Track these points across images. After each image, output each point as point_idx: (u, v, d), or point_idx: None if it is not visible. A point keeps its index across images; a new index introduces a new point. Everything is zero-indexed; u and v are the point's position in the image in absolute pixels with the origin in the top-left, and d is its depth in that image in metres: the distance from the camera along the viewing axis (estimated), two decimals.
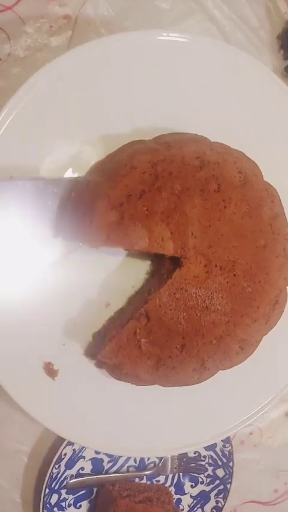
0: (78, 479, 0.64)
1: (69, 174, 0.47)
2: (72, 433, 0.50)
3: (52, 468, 0.61)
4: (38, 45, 0.55)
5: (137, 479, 0.68)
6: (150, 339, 0.45)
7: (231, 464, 0.71)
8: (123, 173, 0.43)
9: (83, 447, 0.64)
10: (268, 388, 0.59)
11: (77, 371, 0.49)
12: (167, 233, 0.43)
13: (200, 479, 0.72)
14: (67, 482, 0.63)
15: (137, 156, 0.44)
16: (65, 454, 0.62)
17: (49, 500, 0.62)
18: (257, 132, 0.53)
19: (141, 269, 0.51)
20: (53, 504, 0.63)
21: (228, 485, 0.72)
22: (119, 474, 0.67)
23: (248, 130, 0.53)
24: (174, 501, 0.70)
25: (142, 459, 0.69)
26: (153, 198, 0.43)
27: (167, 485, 0.70)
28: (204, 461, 0.71)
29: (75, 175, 0.47)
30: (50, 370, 0.47)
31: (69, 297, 0.49)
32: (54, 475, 0.62)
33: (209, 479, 0.71)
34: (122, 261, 0.50)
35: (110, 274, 0.50)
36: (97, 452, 0.66)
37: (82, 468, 0.65)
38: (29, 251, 0.44)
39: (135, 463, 0.68)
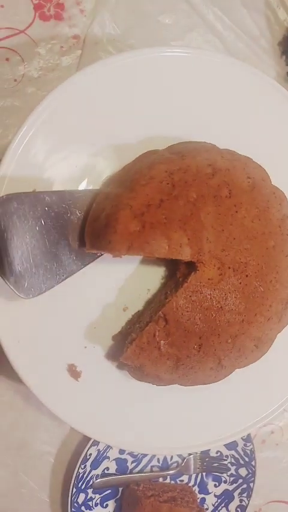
0: (103, 479, 0.66)
1: (83, 185, 0.49)
2: (96, 431, 0.52)
3: (78, 468, 0.63)
4: (51, 66, 0.59)
5: (160, 479, 0.70)
6: (169, 340, 0.47)
7: (253, 463, 0.72)
8: (143, 183, 0.45)
9: (107, 448, 0.66)
10: (286, 386, 0.60)
11: (99, 372, 0.51)
12: (184, 239, 0.45)
13: (223, 479, 0.73)
14: (93, 482, 0.66)
15: (155, 167, 0.46)
16: (90, 455, 0.65)
17: (76, 500, 0.64)
18: (262, 138, 0.55)
19: (156, 274, 0.53)
20: (80, 503, 0.65)
21: (251, 484, 0.72)
22: (143, 474, 0.68)
23: (253, 137, 0.55)
24: (198, 500, 0.71)
25: (165, 459, 0.70)
26: (171, 206, 0.45)
27: (190, 484, 0.71)
28: (226, 460, 0.72)
29: (90, 187, 0.49)
30: (74, 372, 0.50)
31: (89, 302, 0.51)
32: (80, 475, 0.64)
33: (232, 479, 0.72)
34: (138, 267, 0.52)
35: (127, 279, 0.52)
36: (121, 453, 0.68)
37: (107, 468, 0.67)
38: (52, 261, 0.46)
39: (159, 463, 0.70)
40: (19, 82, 0.58)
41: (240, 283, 0.49)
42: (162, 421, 0.54)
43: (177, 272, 0.49)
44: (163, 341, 0.46)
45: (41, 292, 0.45)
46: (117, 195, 0.46)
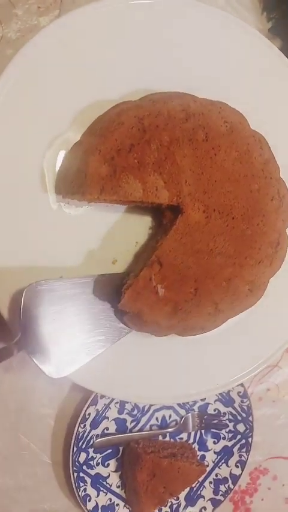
0: (103, 438, 0.67)
1: (66, 139, 0.50)
2: (96, 384, 0.53)
3: (78, 427, 0.64)
4: (29, 27, 0.59)
5: (160, 438, 0.71)
6: (165, 284, 0.47)
7: (250, 418, 0.73)
8: (112, 129, 0.46)
9: (106, 408, 0.67)
10: (278, 336, 0.61)
11: None
12: (160, 183, 0.46)
13: (222, 435, 0.74)
14: (93, 442, 0.67)
15: (123, 113, 0.47)
16: (89, 414, 0.66)
17: (78, 459, 0.65)
18: (240, 86, 0.56)
19: (142, 225, 0.54)
20: (81, 462, 0.66)
21: (249, 439, 0.74)
22: (143, 432, 0.69)
23: (231, 85, 0.55)
24: (198, 457, 0.72)
25: (164, 418, 0.71)
26: (143, 150, 0.45)
27: (190, 442, 0.73)
28: (224, 417, 0.73)
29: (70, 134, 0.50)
30: None
31: (78, 254, 0.52)
32: (80, 434, 0.65)
33: (230, 435, 0.74)
34: (124, 218, 0.53)
35: (113, 231, 0.53)
36: (120, 413, 0.69)
37: (107, 428, 0.68)
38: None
39: (158, 422, 0.71)
40: None
41: (227, 225, 0.50)
42: (161, 372, 0.56)
43: (163, 219, 0.50)
44: (159, 285, 0.47)
45: (66, 375, 0.48)
46: (87, 142, 0.47)
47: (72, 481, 0.65)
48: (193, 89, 0.52)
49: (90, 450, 0.67)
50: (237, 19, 0.55)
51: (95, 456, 0.68)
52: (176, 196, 0.46)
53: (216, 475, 0.73)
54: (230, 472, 0.73)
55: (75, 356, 0.48)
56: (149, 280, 0.47)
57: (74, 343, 0.48)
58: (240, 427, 0.74)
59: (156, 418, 0.71)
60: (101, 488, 0.68)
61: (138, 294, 0.47)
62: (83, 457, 0.66)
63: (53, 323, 0.46)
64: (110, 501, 0.69)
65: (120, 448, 0.69)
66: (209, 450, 0.74)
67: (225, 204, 0.49)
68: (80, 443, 0.65)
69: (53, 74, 0.49)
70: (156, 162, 0.46)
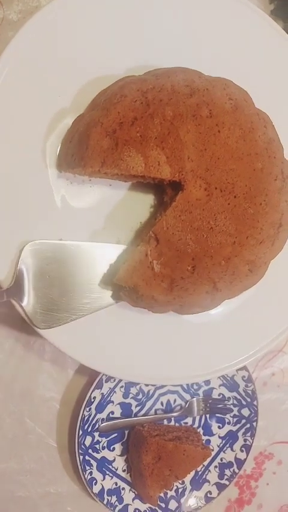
0: (109, 422, 0.67)
1: (70, 117, 0.50)
2: (91, 360, 0.53)
3: (83, 411, 0.65)
4: (30, 8, 0.59)
5: (165, 422, 0.71)
6: (161, 260, 0.47)
7: (255, 403, 0.73)
8: (114, 102, 0.46)
9: (111, 391, 0.67)
10: (281, 319, 0.61)
11: None
12: (162, 157, 0.45)
13: (227, 420, 0.74)
14: (99, 426, 0.67)
15: (127, 86, 0.47)
16: (94, 398, 0.66)
17: (83, 442, 0.66)
18: (245, 65, 0.56)
19: (145, 203, 0.54)
20: (87, 446, 0.66)
21: (254, 424, 0.74)
22: (148, 416, 0.69)
23: (236, 65, 0.55)
24: (203, 441, 0.72)
25: (169, 403, 0.71)
26: (146, 124, 0.45)
27: (195, 426, 0.73)
28: (229, 402, 0.73)
29: (73, 116, 0.50)
30: None
31: (81, 235, 0.52)
32: (86, 418, 0.65)
33: (235, 419, 0.74)
34: (126, 196, 0.53)
35: (117, 210, 0.53)
36: (125, 397, 0.69)
37: (112, 412, 0.68)
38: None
39: (162, 406, 0.71)
40: None
41: (228, 204, 0.49)
42: (165, 354, 0.56)
43: (164, 196, 0.50)
44: (156, 261, 0.47)
45: (55, 326, 0.50)
46: (90, 115, 0.46)
47: (78, 465, 0.65)
48: (198, 67, 0.51)
49: (96, 434, 0.67)
50: None
51: (100, 440, 0.68)
52: (178, 172, 0.46)
53: (221, 460, 0.73)
54: (235, 457, 0.74)
55: (62, 314, 0.50)
56: (145, 255, 0.47)
57: (64, 302, 0.50)
58: (245, 412, 0.74)
59: (161, 403, 0.71)
60: (107, 472, 0.68)
61: (134, 269, 0.47)
62: (88, 440, 0.66)
63: (45, 280, 0.49)
64: (116, 485, 0.69)
65: (126, 432, 0.70)
66: (214, 435, 0.74)
67: (227, 182, 0.49)
68: (86, 427, 0.66)
69: (56, 50, 0.49)
70: (159, 137, 0.45)
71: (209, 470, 0.73)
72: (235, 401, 0.74)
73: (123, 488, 0.69)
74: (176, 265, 0.48)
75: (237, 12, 0.55)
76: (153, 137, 0.45)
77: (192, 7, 0.53)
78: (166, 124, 0.46)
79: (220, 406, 0.73)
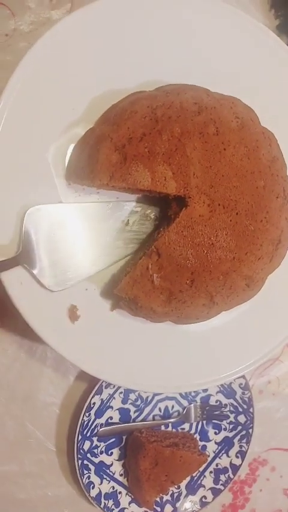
0: (107, 427, 0.69)
1: (81, 128, 0.51)
2: (92, 366, 0.54)
3: (83, 416, 0.66)
4: (42, 20, 0.60)
5: (162, 427, 0.73)
6: (161, 274, 0.48)
7: (251, 410, 0.75)
8: (125, 118, 0.47)
9: (110, 397, 0.69)
10: (280, 329, 0.62)
11: (98, 313, 0.53)
12: (169, 173, 0.46)
13: (223, 426, 0.75)
14: (98, 431, 0.68)
15: (137, 102, 0.48)
16: (94, 403, 0.67)
17: (82, 447, 0.67)
18: (252, 82, 0.57)
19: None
20: (86, 450, 0.67)
21: (250, 430, 0.75)
22: (146, 422, 0.71)
23: (243, 82, 0.56)
24: (199, 447, 0.74)
25: (166, 409, 0.73)
26: (154, 140, 0.46)
27: (191, 432, 0.74)
28: (226, 408, 0.75)
29: (86, 128, 0.51)
30: (73, 314, 0.52)
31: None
32: (85, 423, 0.66)
33: (231, 426, 0.75)
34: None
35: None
36: (124, 403, 0.70)
37: (111, 417, 0.69)
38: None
39: (160, 412, 0.73)
40: (10, 37, 0.59)
41: (230, 220, 0.51)
42: (164, 362, 0.57)
43: (169, 211, 0.51)
44: (156, 274, 0.48)
45: (65, 288, 0.51)
46: (100, 129, 0.48)
47: (77, 468, 0.66)
48: (207, 83, 0.53)
49: (95, 439, 0.68)
50: (249, 16, 0.56)
51: (98, 445, 0.69)
52: (183, 188, 0.47)
53: (217, 465, 0.75)
54: (230, 462, 0.75)
55: (73, 275, 0.51)
56: (146, 269, 0.48)
57: (72, 263, 0.51)
58: (241, 418, 0.75)
59: (159, 409, 0.72)
60: (104, 476, 0.69)
61: (135, 282, 0.49)
62: (87, 445, 0.68)
63: (52, 243, 0.50)
64: (113, 489, 0.70)
65: (124, 438, 0.71)
66: (210, 440, 0.75)
67: (230, 199, 0.50)
68: (85, 432, 0.67)
69: (70, 63, 0.51)
70: (167, 153, 0.46)
71: (205, 476, 0.75)
72: (232, 408, 0.75)
73: (120, 492, 0.70)
74: (175, 279, 0.49)
75: (244, 30, 0.56)
76: (161, 153, 0.46)
77: (202, 25, 0.54)
78: (174, 141, 0.47)
79: (217, 412, 0.75)
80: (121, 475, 0.71)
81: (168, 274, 0.49)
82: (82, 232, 0.52)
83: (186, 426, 0.74)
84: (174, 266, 0.49)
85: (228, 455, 0.75)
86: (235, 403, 0.75)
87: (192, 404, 0.73)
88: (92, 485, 0.68)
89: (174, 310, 0.50)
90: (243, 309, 0.59)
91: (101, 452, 0.70)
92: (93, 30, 0.50)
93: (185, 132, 0.47)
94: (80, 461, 0.66)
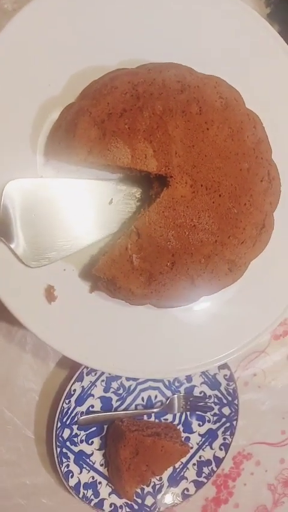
0: (88, 415, 0.67)
1: (60, 104, 0.50)
2: (67, 348, 0.52)
3: (63, 403, 0.65)
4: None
5: (145, 418, 0.72)
6: (141, 254, 0.47)
7: (236, 401, 0.74)
8: (104, 93, 0.46)
9: (91, 385, 0.67)
10: (263, 318, 0.61)
11: (76, 293, 0.52)
12: (149, 151, 0.45)
13: (207, 418, 0.74)
14: (78, 419, 0.67)
15: (118, 78, 0.47)
16: (75, 390, 0.66)
17: (61, 434, 0.66)
18: (238, 65, 0.56)
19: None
20: (65, 438, 0.66)
21: (234, 423, 0.74)
22: (128, 411, 0.70)
23: (228, 64, 0.55)
24: (183, 439, 0.73)
25: (149, 398, 0.72)
26: (135, 116, 0.45)
27: (175, 423, 0.73)
28: (210, 400, 0.74)
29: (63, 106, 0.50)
30: (50, 294, 0.51)
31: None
32: (65, 410, 0.65)
33: (215, 418, 0.74)
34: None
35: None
36: (106, 391, 0.69)
37: (92, 406, 0.68)
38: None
39: (143, 401, 0.71)
40: None
41: (213, 202, 0.50)
42: (147, 347, 0.55)
43: (151, 190, 0.50)
44: (135, 255, 0.47)
45: (44, 265, 0.50)
46: (79, 104, 0.47)
47: (55, 457, 0.65)
48: (191, 63, 0.51)
49: (74, 427, 0.67)
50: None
51: (78, 433, 0.68)
52: (164, 167, 0.46)
53: (200, 457, 0.74)
54: (214, 455, 0.74)
55: (51, 253, 0.50)
56: (125, 249, 0.48)
57: (51, 240, 0.50)
58: (226, 410, 0.74)
59: (142, 398, 0.71)
60: (84, 465, 0.68)
61: (113, 262, 0.48)
62: (66, 433, 0.66)
63: (31, 218, 0.49)
64: (93, 479, 0.69)
65: (105, 427, 0.70)
66: (194, 432, 0.74)
67: (213, 180, 0.49)
68: (64, 419, 0.66)
69: (51, 38, 0.49)
70: (147, 130, 0.46)
71: (187, 468, 0.74)
72: (216, 400, 0.74)
73: (99, 483, 0.69)
74: (156, 260, 0.48)
75: (232, 12, 0.55)
76: (142, 130, 0.45)
77: (188, 4, 0.53)
78: (155, 118, 0.46)
79: (201, 404, 0.73)
80: (101, 465, 0.69)
81: (148, 255, 0.48)
82: (63, 209, 0.50)
83: (169, 417, 0.73)
84: (155, 247, 0.48)
85: (211, 448, 0.74)
86: (219, 395, 0.74)
87: (175, 395, 0.72)
88: (71, 474, 0.67)
89: (153, 292, 0.49)
90: (229, 296, 0.58)
91: (81, 441, 0.68)
92: (74, 7, 0.50)
93: (167, 110, 0.46)
94: (58, 449, 0.65)
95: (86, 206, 0.51)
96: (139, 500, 0.71)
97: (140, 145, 0.45)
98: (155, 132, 0.46)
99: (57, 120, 0.49)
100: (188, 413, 0.74)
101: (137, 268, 0.48)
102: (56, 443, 0.65)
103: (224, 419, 0.74)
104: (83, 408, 0.67)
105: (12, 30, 0.49)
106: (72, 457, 0.67)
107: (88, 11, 0.51)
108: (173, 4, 0.53)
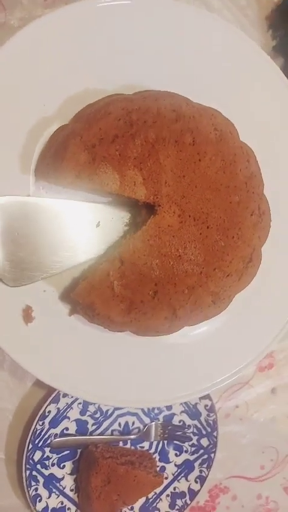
0: (62, 438, 0.66)
1: (54, 125, 0.50)
2: (55, 379, 0.51)
3: (36, 424, 0.63)
4: (32, 17, 0.59)
5: (121, 444, 0.70)
6: (123, 281, 0.47)
7: (215, 433, 0.72)
8: (98, 117, 0.46)
9: (67, 407, 0.66)
10: (247, 351, 0.60)
11: (54, 317, 0.51)
12: (139, 178, 0.45)
13: (185, 448, 0.72)
14: (51, 441, 0.65)
15: (113, 103, 0.46)
16: (49, 412, 0.64)
17: (32, 457, 0.64)
18: (235, 97, 0.56)
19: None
20: (36, 461, 0.64)
21: (212, 455, 0.72)
22: (103, 437, 0.68)
23: (225, 96, 0.55)
24: (158, 468, 0.71)
25: (126, 424, 0.70)
26: (127, 143, 0.45)
27: (151, 451, 0.71)
28: (189, 430, 0.72)
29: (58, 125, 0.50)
30: (28, 315, 0.49)
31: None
32: (38, 432, 0.63)
33: (193, 449, 0.72)
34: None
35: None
36: (82, 414, 0.67)
37: (66, 428, 0.66)
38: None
39: (120, 427, 0.70)
40: None
41: (200, 233, 0.49)
42: (126, 375, 0.54)
43: (138, 217, 0.49)
44: (117, 281, 0.46)
45: (23, 284, 0.49)
46: (71, 127, 0.46)
47: (24, 479, 0.63)
48: (188, 93, 0.51)
49: (47, 449, 0.65)
50: (240, 31, 0.55)
51: (50, 456, 0.66)
52: (153, 195, 0.46)
53: (174, 489, 0.72)
54: (189, 487, 0.72)
55: (33, 272, 0.49)
56: (107, 275, 0.47)
57: (34, 260, 0.49)
58: (204, 442, 0.72)
59: (119, 424, 0.70)
60: (54, 490, 0.66)
61: (93, 287, 0.47)
62: (38, 455, 0.64)
63: (14, 237, 0.48)
64: (62, 504, 0.67)
65: (79, 451, 0.68)
66: (170, 462, 0.72)
67: (201, 212, 0.48)
68: (37, 441, 0.64)
69: (51, 57, 0.49)
70: (138, 158, 0.45)
71: (161, 499, 0.72)
72: (195, 430, 0.72)
73: (68, 509, 0.67)
74: (137, 288, 0.47)
75: (234, 45, 0.55)
76: (132, 157, 0.45)
77: (189, 33, 0.53)
78: (147, 146, 0.46)
79: (179, 433, 0.72)
80: (72, 490, 0.67)
81: (130, 282, 0.47)
82: (48, 229, 0.50)
83: (146, 445, 0.71)
84: (138, 275, 0.47)
85: (187, 480, 0.72)
86: (199, 425, 0.72)
87: (154, 423, 0.71)
88: (39, 498, 0.65)
89: (133, 320, 0.48)
90: (215, 327, 0.57)
91: (53, 465, 0.66)
92: (77, 29, 0.50)
93: (160, 139, 0.46)
94: (28, 472, 0.63)
95: (72, 228, 0.50)
96: None
97: (129, 172, 0.45)
98: (146, 160, 0.45)
99: (48, 141, 0.48)
100: (166, 441, 0.72)
101: (117, 295, 0.47)
102: (25, 465, 0.63)
103: (201, 451, 0.72)
104: (57, 430, 0.66)
105: (13, 47, 0.49)
106: (41, 480, 0.65)
107: (91, 34, 0.51)
108: (174, 32, 0.53)
